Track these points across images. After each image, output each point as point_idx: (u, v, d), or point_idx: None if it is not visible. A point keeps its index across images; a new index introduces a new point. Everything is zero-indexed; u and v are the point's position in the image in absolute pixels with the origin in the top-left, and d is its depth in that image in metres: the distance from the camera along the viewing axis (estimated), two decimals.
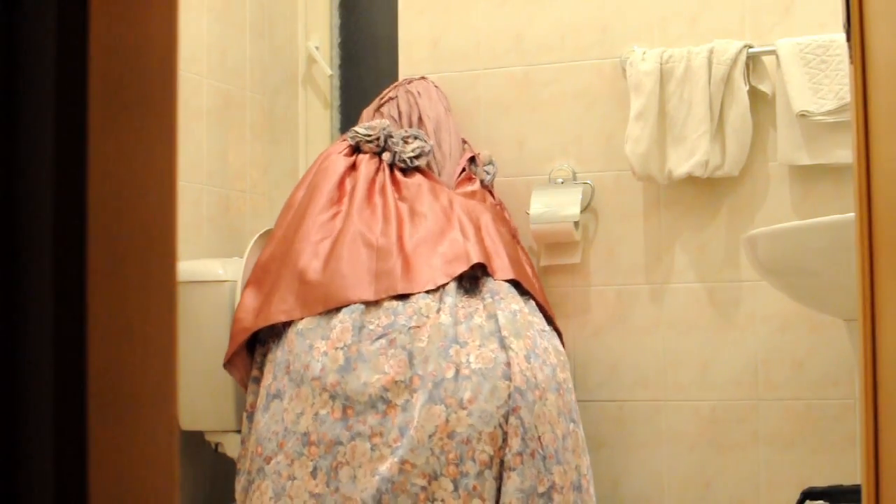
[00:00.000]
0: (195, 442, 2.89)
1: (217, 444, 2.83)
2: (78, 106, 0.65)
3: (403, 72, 3.19)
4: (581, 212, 2.98)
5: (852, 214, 1.38)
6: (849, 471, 2.74)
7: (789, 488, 2.80)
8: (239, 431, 2.76)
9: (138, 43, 0.69)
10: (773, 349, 2.87)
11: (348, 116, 3.43)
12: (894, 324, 1.21)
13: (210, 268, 2.81)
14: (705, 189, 2.94)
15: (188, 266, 2.79)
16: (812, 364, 2.84)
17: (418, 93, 3.02)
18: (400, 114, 3.00)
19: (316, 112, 3.43)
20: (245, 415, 2.65)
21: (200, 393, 2.76)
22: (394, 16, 3.27)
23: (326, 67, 3.41)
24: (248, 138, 3.27)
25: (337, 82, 3.46)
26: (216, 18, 3.12)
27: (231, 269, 2.81)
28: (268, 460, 2.49)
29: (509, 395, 2.40)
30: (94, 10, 0.65)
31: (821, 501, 2.37)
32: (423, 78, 3.10)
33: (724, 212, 2.93)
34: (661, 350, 2.96)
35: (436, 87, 3.07)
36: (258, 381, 2.65)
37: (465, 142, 3.05)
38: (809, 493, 2.38)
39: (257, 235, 2.88)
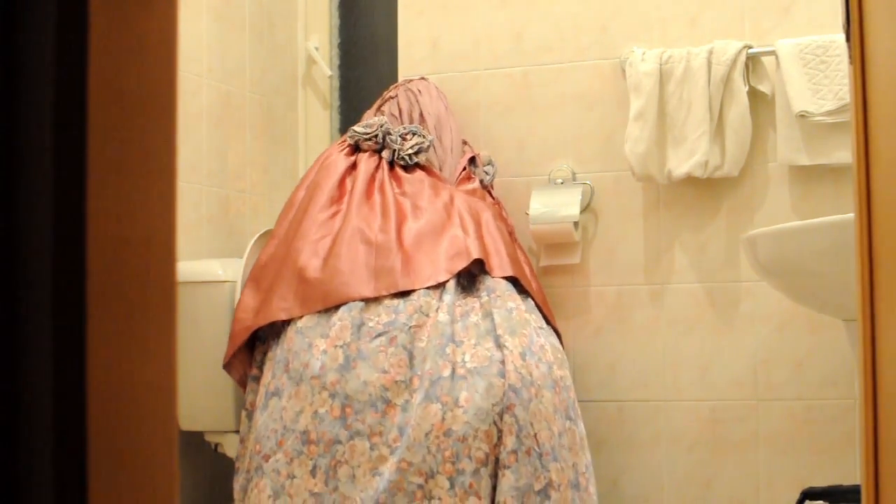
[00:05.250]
0: (195, 442, 2.89)
1: (217, 445, 2.83)
2: (77, 106, 0.65)
3: (403, 72, 3.19)
4: (581, 212, 2.98)
5: (852, 214, 1.38)
6: (849, 471, 2.74)
7: (789, 488, 2.80)
8: (238, 432, 2.76)
9: (138, 43, 0.69)
10: (772, 349, 2.87)
11: (348, 117, 3.43)
12: (894, 324, 1.21)
13: (210, 268, 2.81)
14: (705, 189, 2.94)
15: (188, 266, 2.79)
16: (812, 364, 2.84)
17: (419, 91, 3.02)
18: (400, 111, 2.99)
19: (316, 112, 3.43)
20: (244, 413, 2.65)
21: (200, 393, 2.76)
22: (393, 16, 3.27)
23: (326, 68, 3.41)
24: (248, 138, 3.27)
25: (336, 83, 3.46)
26: (216, 18, 3.12)
27: (231, 270, 2.81)
28: (266, 458, 2.49)
29: (504, 393, 2.40)
30: (93, 10, 0.65)
31: (821, 501, 2.37)
32: (422, 78, 3.10)
33: (724, 212, 2.93)
34: (661, 350, 2.96)
35: (436, 87, 3.08)
36: (257, 379, 2.66)
37: (465, 143, 3.05)
38: (809, 493, 2.38)
39: (257, 235, 2.88)
